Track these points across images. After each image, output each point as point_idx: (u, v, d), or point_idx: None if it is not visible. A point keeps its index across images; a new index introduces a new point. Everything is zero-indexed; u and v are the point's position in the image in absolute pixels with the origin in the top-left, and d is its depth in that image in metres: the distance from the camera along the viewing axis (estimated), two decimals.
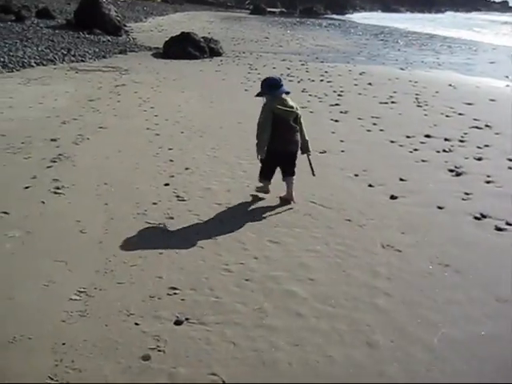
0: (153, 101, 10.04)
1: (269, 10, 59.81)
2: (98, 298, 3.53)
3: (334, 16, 62.21)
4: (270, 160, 5.21)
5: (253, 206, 5.23)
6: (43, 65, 14.30)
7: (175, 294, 3.64)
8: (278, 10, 63.26)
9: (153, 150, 6.85)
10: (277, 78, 5.31)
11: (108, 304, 3.48)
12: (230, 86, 12.38)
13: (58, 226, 4.58)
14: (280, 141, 5.11)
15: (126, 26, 25.04)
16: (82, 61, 15.57)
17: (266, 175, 5.38)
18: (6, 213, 4.78)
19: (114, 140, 7.31)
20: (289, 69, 15.49)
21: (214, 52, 18.54)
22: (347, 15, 67.14)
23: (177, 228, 4.63)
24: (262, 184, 5.51)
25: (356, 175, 6.25)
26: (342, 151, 7.21)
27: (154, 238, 4.44)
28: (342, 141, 7.71)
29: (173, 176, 5.95)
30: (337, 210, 5.22)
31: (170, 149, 6.98)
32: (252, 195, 5.50)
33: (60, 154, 6.55)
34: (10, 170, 5.93)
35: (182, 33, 18.41)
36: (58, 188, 5.44)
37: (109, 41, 20.07)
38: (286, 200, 5.37)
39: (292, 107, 5.18)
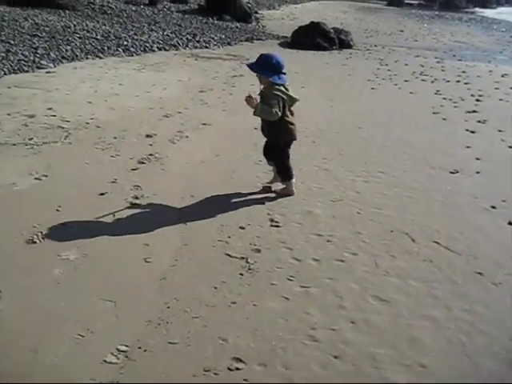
0: None
1: (406, 1, 57.11)
2: (139, 366, 2.76)
3: (477, 9, 58.10)
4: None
5: (359, 242, 4.24)
6: (165, 50, 14.07)
7: (238, 369, 2.78)
8: (416, 1, 60.15)
9: (256, 156, 6.04)
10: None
11: (147, 376, 2.70)
12: (356, 82, 11.33)
13: (121, 249, 3.89)
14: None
15: (257, 12, 24.61)
16: (206, 47, 15.19)
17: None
18: (68, 225, 4.18)
19: (214, 140, 6.61)
20: (422, 66, 14.07)
21: (344, 44, 17.50)
22: (490, 10, 62.44)
23: (261, 266, 3.77)
24: (285, 185, 5.10)
25: (493, 207, 5.04)
26: (478, 172, 5.98)
27: (230, 278, 3.60)
28: (477, 158, 6.45)
29: (272, 191, 5.11)
30: (465, 256, 4.11)
31: None
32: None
33: (151, 154, 5.93)
34: (91, 171, 5.39)
35: (312, 22, 17.55)
36: (136, 197, 4.78)
37: (237, 27, 19.65)
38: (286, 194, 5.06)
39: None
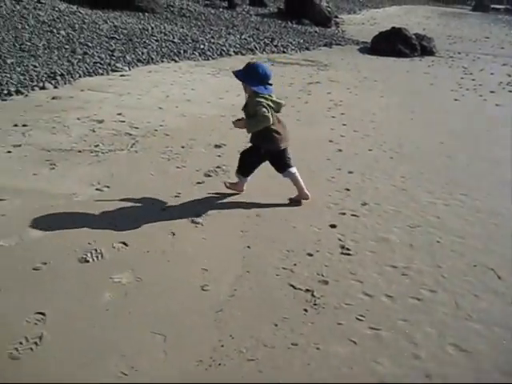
0: (345, 105, 8.89)
1: (492, 6, 54.90)
2: None
3: None
4: None
5: (439, 277, 3.82)
6: (242, 54, 13.93)
7: None
8: (503, 6, 57.69)
9: (328, 172, 5.72)
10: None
11: None
12: (438, 92, 10.78)
13: (178, 273, 3.64)
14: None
15: (337, 17, 24.26)
16: (284, 52, 14.95)
17: None
18: (125, 244, 3.99)
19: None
20: (510, 76, 13.25)
21: (426, 51, 16.89)
22: None
23: (328, 302, 3.42)
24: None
25: None
26: None
27: (292, 314, 3.28)
28: None
29: (344, 213, 4.75)
30: None
31: (350, 172, 5.78)
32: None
33: (218, 167, 5.70)
34: (154, 183, 5.21)
35: (393, 28, 17.07)
36: (198, 215, 4.54)
37: (316, 32, 19.34)
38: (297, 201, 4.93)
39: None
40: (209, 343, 2.96)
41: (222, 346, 2.95)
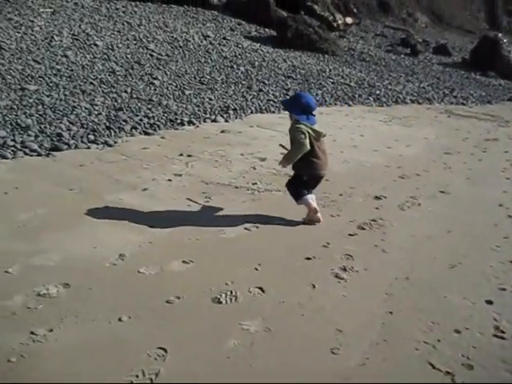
0: None
1: None
2: None
3: None
4: None
5: None
6: (418, 103, 13.53)
7: None
8: None
9: (493, 239, 5.20)
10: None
11: None
12: None
13: (310, 330, 3.45)
14: None
15: None
16: (463, 104, 14.28)
17: None
18: (262, 290, 3.88)
19: (450, 213, 5.87)
20: None
21: None
22: None
23: None
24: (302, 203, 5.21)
25: None
26: None
27: None
28: None
29: (504, 289, 4.23)
30: None
31: None
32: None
33: (374, 220, 5.44)
34: (304, 230, 5.10)
35: None
36: (344, 269, 4.31)
37: (500, 85, 18.31)
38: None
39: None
40: None
41: None
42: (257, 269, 4.18)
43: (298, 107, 4.97)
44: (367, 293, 4.02)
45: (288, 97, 5.02)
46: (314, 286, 4.01)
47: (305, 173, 5.11)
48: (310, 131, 4.90)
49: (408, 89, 14.80)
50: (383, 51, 21.03)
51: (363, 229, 5.22)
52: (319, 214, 5.23)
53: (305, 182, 5.16)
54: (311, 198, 5.17)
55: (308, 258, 4.46)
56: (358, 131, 9.49)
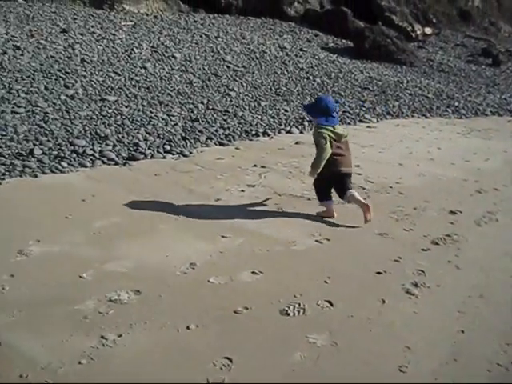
0: None
1: None
2: None
3: None
4: None
5: None
6: (499, 115, 13.11)
7: None
8: None
9: None
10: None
11: None
12: None
13: (378, 346, 3.39)
14: None
15: None
16: None
17: None
18: (330, 303, 3.86)
19: None
20: None
21: None
22: None
23: None
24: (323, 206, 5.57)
25: None
26: None
27: None
28: None
29: None
30: None
31: None
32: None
33: (448, 235, 5.30)
34: (376, 242, 5.04)
35: None
36: (415, 285, 4.23)
37: None
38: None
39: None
40: None
41: None
42: (326, 282, 4.16)
43: (318, 111, 5.33)
44: (439, 310, 3.93)
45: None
46: (384, 301, 3.95)
47: (326, 170, 5.32)
48: (330, 134, 5.23)
49: (488, 100, 14.36)
50: (463, 62, 20.48)
51: (437, 244, 5.11)
52: (335, 213, 5.54)
53: (328, 181, 5.45)
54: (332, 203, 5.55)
55: (379, 273, 4.40)
56: (435, 144, 9.29)
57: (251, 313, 3.65)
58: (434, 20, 24.20)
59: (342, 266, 4.49)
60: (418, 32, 22.58)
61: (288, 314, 3.66)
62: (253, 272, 4.23)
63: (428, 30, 23.36)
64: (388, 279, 4.31)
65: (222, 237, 4.87)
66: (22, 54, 11.23)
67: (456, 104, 13.34)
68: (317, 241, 4.94)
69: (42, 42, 12.45)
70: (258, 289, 4.01)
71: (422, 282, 4.29)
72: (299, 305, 3.77)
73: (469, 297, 4.13)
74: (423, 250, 4.95)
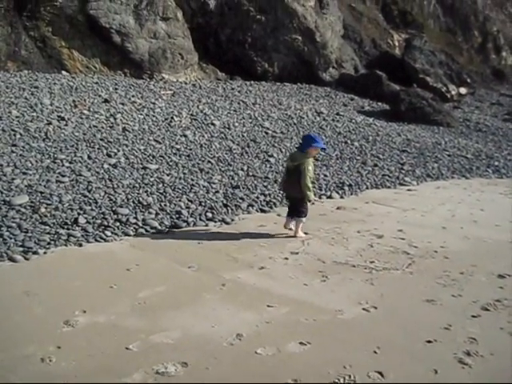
0: None
1: None
2: None
3: None
4: None
5: None
6: None
7: None
8: None
9: None
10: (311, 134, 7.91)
11: None
12: None
13: None
14: None
15: None
16: None
17: None
18: (381, 374, 3.78)
19: None
20: None
21: None
22: None
23: None
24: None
25: None
26: None
27: None
28: None
29: None
30: None
31: None
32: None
33: (498, 300, 5.18)
34: (424, 310, 4.95)
35: None
36: (468, 354, 4.13)
37: None
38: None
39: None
40: None
41: None
42: (375, 352, 4.10)
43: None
44: (494, 380, 3.82)
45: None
46: (437, 372, 3.87)
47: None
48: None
49: None
50: (500, 120, 20.41)
51: (487, 310, 4.99)
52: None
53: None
54: None
55: (429, 341, 4.31)
56: (478, 205, 9.18)
57: None
58: (468, 80, 24.30)
59: (390, 334, 4.42)
60: (453, 92, 22.69)
61: None
62: (300, 342, 4.19)
63: (463, 90, 23.47)
64: (439, 348, 4.21)
65: (268, 306, 4.86)
66: (66, 125, 11.70)
67: (496, 164, 13.23)
68: (364, 309, 4.88)
69: (85, 112, 12.96)
70: (306, 360, 3.97)
71: (475, 350, 4.19)
72: (349, 376, 3.71)
73: None
74: (473, 316, 4.84)
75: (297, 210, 6.94)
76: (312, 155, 6.95)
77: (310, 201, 6.93)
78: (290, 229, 7.06)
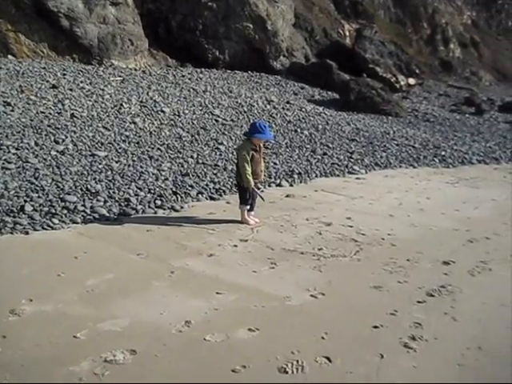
0: None
1: None
2: None
3: None
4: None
5: None
6: (485, 163, 13.25)
7: None
8: None
9: None
10: (257, 123, 7.06)
11: None
12: None
13: None
14: None
15: None
16: None
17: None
18: (328, 359, 3.84)
19: None
20: None
21: None
22: None
23: None
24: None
25: None
26: None
27: None
28: None
29: None
30: None
31: None
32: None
33: (443, 286, 5.32)
34: (371, 296, 5.04)
35: None
36: (413, 338, 4.23)
37: None
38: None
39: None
40: None
41: None
42: (323, 337, 4.15)
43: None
44: (438, 363, 3.92)
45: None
46: (383, 356, 3.95)
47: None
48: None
49: (474, 149, 14.55)
50: (447, 111, 20.88)
51: (432, 295, 5.12)
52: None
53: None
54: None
55: (375, 327, 4.40)
56: (425, 194, 9.37)
57: (249, 371, 3.62)
58: (417, 71, 24.78)
59: (338, 320, 4.48)
60: (402, 83, 23.09)
61: (286, 372, 3.64)
62: (249, 329, 4.21)
63: (412, 81, 23.91)
64: (385, 333, 4.30)
65: (217, 293, 4.87)
66: (12, 110, 11.37)
67: (443, 153, 13.51)
68: (312, 295, 4.93)
69: (32, 97, 12.61)
70: (254, 346, 3.99)
71: (420, 335, 4.30)
72: (297, 362, 3.75)
73: (467, 349, 4.13)
74: (419, 302, 4.95)
75: (239, 196, 7.10)
76: (256, 143, 7.00)
77: (247, 187, 6.90)
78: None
